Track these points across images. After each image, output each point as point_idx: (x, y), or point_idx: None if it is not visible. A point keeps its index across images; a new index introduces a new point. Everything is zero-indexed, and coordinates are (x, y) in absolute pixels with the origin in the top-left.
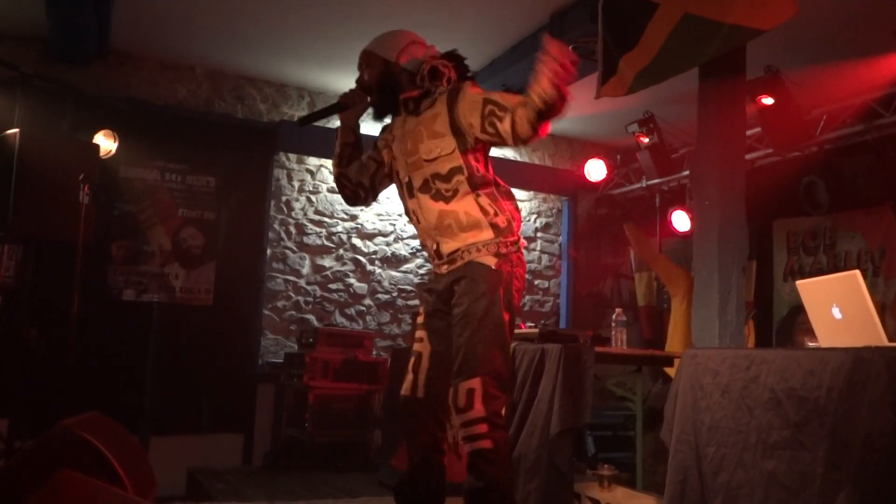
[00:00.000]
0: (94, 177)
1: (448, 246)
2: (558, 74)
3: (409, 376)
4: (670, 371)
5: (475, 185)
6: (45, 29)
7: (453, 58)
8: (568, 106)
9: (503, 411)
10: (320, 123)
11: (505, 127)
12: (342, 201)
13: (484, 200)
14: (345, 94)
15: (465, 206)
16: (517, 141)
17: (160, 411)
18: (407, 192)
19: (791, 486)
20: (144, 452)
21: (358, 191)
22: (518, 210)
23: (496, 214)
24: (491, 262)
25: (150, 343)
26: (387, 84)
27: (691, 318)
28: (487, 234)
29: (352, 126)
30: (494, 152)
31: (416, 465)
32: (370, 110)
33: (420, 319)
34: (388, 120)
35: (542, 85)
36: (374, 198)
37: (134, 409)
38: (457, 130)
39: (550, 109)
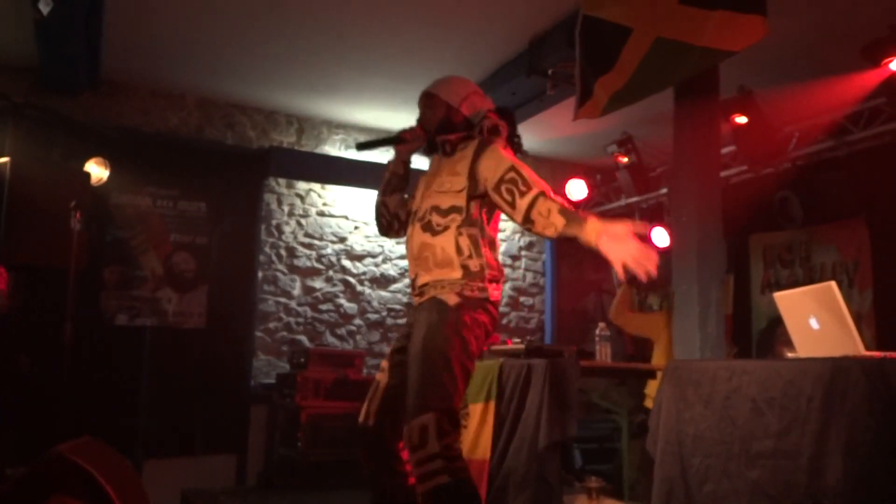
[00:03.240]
0: (85, 204)
1: (422, 278)
2: (626, 261)
3: (365, 404)
4: (649, 403)
5: (463, 224)
6: (36, 59)
7: (506, 115)
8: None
9: (456, 444)
10: (309, 149)
11: (522, 203)
12: (331, 224)
13: (463, 240)
14: (405, 130)
15: (444, 242)
16: (527, 223)
17: (154, 434)
18: (410, 220)
19: (775, 494)
20: (138, 476)
21: (393, 222)
22: (499, 264)
23: (470, 257)
24: (451, 300)
25: (143, 367)
26: (446, 128)
27: (672, 336)
28: (455, 273)
29: (405, 159)
30: None
31: (378, 491)
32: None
33: (389, 350)
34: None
35: (591, 237)
36: (406, 233)
37: (127, 433)
38: (472, 176)
39: (565, 238)
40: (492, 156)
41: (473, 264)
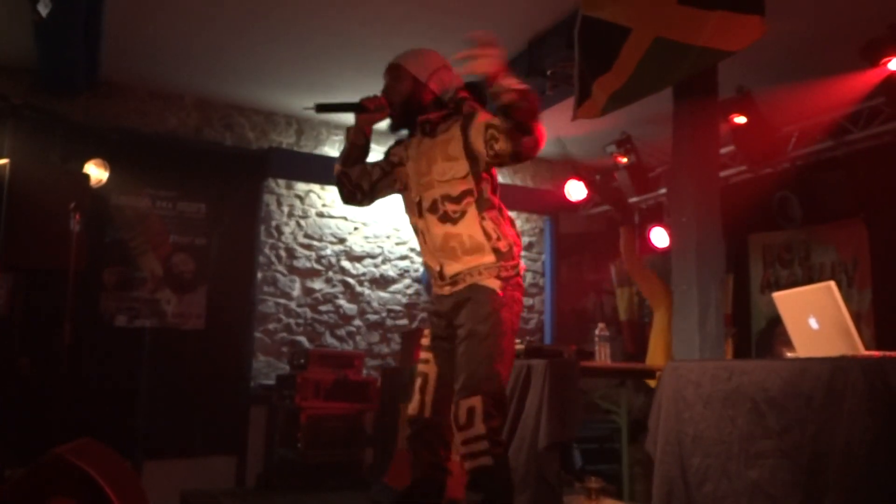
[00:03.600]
0: (85, 205)
1: (451, 268)
2: (493, 65)
3: (417, 397)
4: (653, 382)
5: (481, 208)
6: (35, 60)
7: (477, 91)
8: (533, 102)
9: (502, 430)
10: (308, 150)
11: (500, 146)
12: (330, 225)
13: (488, 224)
14: (367, 98)
15: (470, 230)
16: (502, 157)
17: (153, 435)
18: (416, 211)
19: (775, 494)
20: (137, 477)
21: (356, 192)
22: (519, 236)
23: (499, 239)
24: (495, 284)
25: (143, 368)
26: (413, 102)
27: (672, 331)
28: (490, 258)
29: (364, 130)
30: None
31: (417, 481)
32: (387, 121)
33: (426, 342)
34: (401, 133)
35: (499, 93)
36: (370, 202)
37: (127, 434)
38: (470, 154)
39: (517, 112)
40: (474, 125)
41: (503, 245)
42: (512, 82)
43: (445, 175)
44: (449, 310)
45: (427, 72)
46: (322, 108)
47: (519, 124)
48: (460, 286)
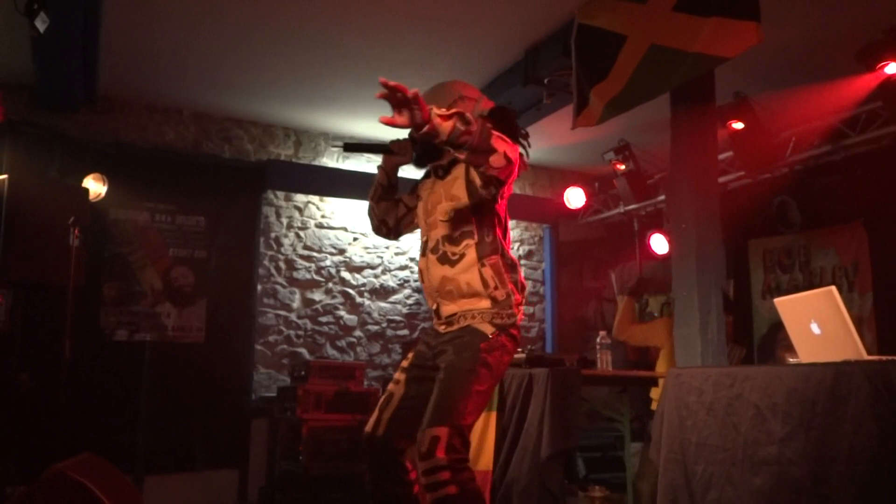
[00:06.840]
0: (84, 220)
1: (447, 309)
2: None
3: (375, 414)
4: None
5: (482, 254)
6: (33, 76)
7: (500, 116)
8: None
9: (464, 463)
10: (307, 161)
11: (479, 178)
12: (330, 236)
13: (487, 272)
14: (395, 141)
15: (468, 277)
16: (488, 187)
17: (154, 450)
18: (421, 251)
19: (779, 501)
20: (139, 493)
21: (381, 227)
22: (522, 287)
23: (496, 288)
24: (487, 329)
25: (143, 382)
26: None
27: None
28: (485, 303)
29: (388, 171)
30: None
31: (379, 502)
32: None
33: (405, 364)
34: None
35: (437, 133)
36: (397, 237)
37: (127, 449)
38: (472, 194)
39: (462, 142)
40: None
41: (500, 294)
42: (439, 115)
43: (447, 214)
44: (439, 344)
45: (443, 105)
46: (349, 147)
47: (472, 151)
48: (454, 326)
